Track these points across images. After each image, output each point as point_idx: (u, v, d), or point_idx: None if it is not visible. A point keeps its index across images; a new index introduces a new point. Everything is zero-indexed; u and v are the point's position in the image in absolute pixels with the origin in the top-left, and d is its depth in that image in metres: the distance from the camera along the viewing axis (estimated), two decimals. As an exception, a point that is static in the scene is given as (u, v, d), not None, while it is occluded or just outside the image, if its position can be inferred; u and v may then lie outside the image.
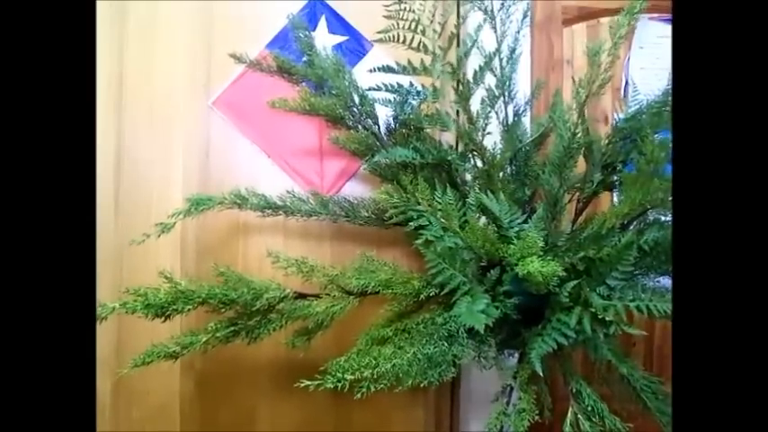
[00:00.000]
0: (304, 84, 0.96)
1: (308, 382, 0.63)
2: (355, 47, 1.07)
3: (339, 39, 1.07)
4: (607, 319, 0.68)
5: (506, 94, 0.88)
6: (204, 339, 0.73)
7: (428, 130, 0.92)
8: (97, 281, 0.54)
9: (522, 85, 0.98)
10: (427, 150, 0.86)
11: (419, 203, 0.82)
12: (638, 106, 0.86)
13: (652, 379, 0.80)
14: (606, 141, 0.87)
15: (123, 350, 0.99)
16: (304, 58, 0.95)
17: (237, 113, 1.05)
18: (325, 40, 1.05)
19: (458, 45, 0.93)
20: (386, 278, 0.80)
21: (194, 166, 1.04)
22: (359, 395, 0.64)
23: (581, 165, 0.85)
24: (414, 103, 0.89)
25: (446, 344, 0.72)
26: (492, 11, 0.86)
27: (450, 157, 0.87)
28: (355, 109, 0.91)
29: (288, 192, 0.91)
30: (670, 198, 0.72)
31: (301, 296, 0.81)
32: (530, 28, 1.10)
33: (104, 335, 0.98)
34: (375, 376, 0.66)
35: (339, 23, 1.07)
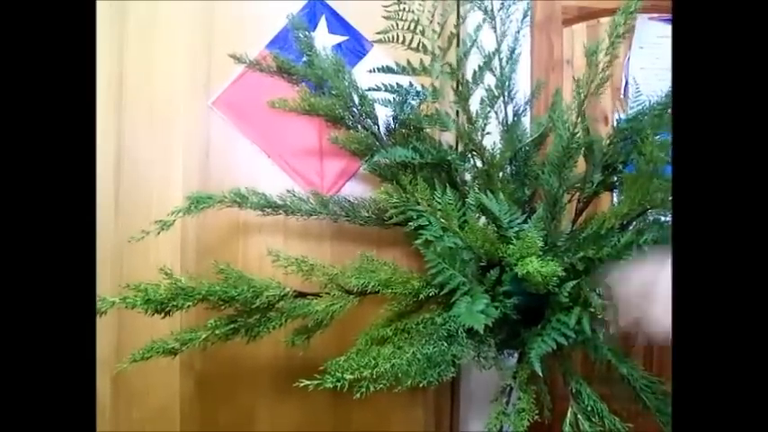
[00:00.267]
0: (304, 84, 0.96)
1: (308, 382, 0.63)
2: (355, 47, 1.07)
3: (339, 39, 1.07)
4: (606, 319, 0.69)
5: (506, 94, 0.88)
6: (204, 336, 0.73)
7: (428, 130, 0.92)
8: (97, 281, 0.54)
9: (522, 85, 0.98)
10: (427, 150, 0.86)
11: (419, 203, 0.82)
12: (639, 107, 0.86)
13: (652, 379, 0.80)
14: (606, 142, 0.87)
15: (123, 350, 0.99)
16: (304, 59, 0.95)
17: (237, 113, 1.05)
18: (325, 40, 1.05)
19: (457, 45, 0.93)
20: (385, 278, 0.80)
21: (194, 166, 1.04)
22: (358, 395, 0.64)
23: (581, 165, 0.85)
24: (413, 103, 0.89)
25: (445, 344, 0.72)
26: (492, 11, 0.86)
27: (449, 157, 0.87)
28: (355, 109, 0.91)
29: (288, 191, 0.91)
30: (670, 198, 0.72)
31: (301, 295, 0.81)
32: (530, 28, 1.10)
33: (104, 335, 0.98)
34: (374, 376, 0.66)
35: (339, 23, 1.07)
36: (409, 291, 0.79)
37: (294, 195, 0.90)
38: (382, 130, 0.92)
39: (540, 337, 0.72)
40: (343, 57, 0.95)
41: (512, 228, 0.80)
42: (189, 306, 0.73)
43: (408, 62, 0.87)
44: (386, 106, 0.89)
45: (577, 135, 0.78)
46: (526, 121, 0.93)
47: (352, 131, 0.91)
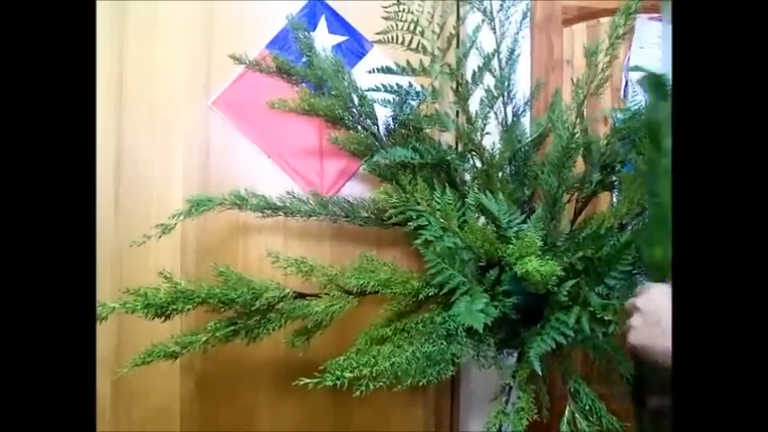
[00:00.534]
0: (304, 84, 0.96)
1: (308, 381, 0.63)
2: (355, 47, 1.08)
3: (339, 39, 1.07)
4: (606, 318, 0.69)
5: (505, 94, 0.88)
6: (204, 339, 0.74)
7: (427, 131, 0.92)
8: (97, 281, 0.54)
9: (523, 86, 0.98)
10: (426, 150, 0.86)
11: (418, 203, 0.82)
12: (637, 107, 0.86)
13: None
14: (605, 142, 0.87)
15: (123, 350, 0.99)
16: (303, 59, 0.95)
17: (237, 113, 1.05)
18: (324, 40, 1.05)
19: (457, 46, 0.93)
20: (385, 278, 0.80)
21: (194, 166, 1.04)
22: (358, 393, 0.65)
23: (580, 165, 0.85)
24: (413, 103, 0.89)
25: (445, 343, 0.72)
26: (491, 12, 0.86)
27: (449, 158, 0.87)
28: (354, 109, 0.91)
29: (287, 192, 0.91)
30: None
31: (301, 296, 0.81)
32: (530, 28, 1.10)
33: (104, 335, 0.98)
34: (374, 374, 0.66)
35: (339, 23, 1.08)
36: (409, 290, 0.79)
37: (294, 196, 0.91)
38: (382, 130, 0.92)
39: (539, 337, 0.72)
40: (342, 57, 0.95)
41: (511, 228, 0.80)
42: (189, 309, 0.73)
43: (408, 63, 0.87)
44: (385, 106, 0.89)
45: (577, 135, 0.78)
46: (526, 121, 0.93)
47: (351, 132, 0.92)
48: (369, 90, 0.90)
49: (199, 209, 0.81)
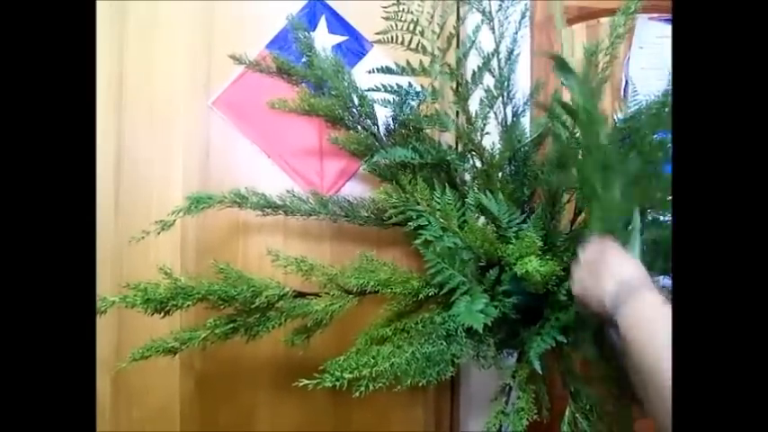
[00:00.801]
0: (304, 84, 0.96)
1: (308, 381, 0.63)
2: (355, 47, 1.08)
3: (339, 39, 1.07)
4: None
5: (505, 94, 0.88)
6: (203, 335, 0.74)
7: (427, 131, 0.92)
8: (97, 281, 0.54)
9: (522, 85, 0.98)
10: (426, 150, 0.86)
11: (418, 203, 0.82)
12: (637, 106, 0.86)
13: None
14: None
15: (123, 350, 0.99)
16: (303, 59, 0.95)
17: (237, 113, 1.05)
18: (324, 40, 1.05)
19: (457, 46, 0.93)
20: (385, 278, 0.80)
21: (194, 166, 1.04)
22: (357, 394, 0.65)
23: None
24: (413, 103, 0.89)
25: (445, 343, 0.72)
26: (490, 12, 0.86)
27: (449, 158, 0.87)
28: (354, 109, 0.91)
29: (288, 191, 0.91)
30: (669, 198, 0.72)
31: (300, 295, 0.81)
32: (530, 28, 1.10)
33: (104, 334, 0.98)
34: (374, 375, 0.66)
35: (339, 23, 1.08)
36: (409, 290, 0.80)
37: (294, 195, 0.91)
38: (382, 130, 0.92)
39: (539, 336, 0.72)
40: (342, 57, 0.95)
41: (511, 227, 0.80)
42: (188, 305, 0.73)
43: (408, 63, 0.87)
44: (385, 106, 0.89)
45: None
46: (525, 121, 0.93)
47: (351, 132, 0.92)
48: (369, 90, 0.90)
49: (198, 206, 0.81)
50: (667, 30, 1.17)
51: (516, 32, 0.87)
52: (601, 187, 0.63)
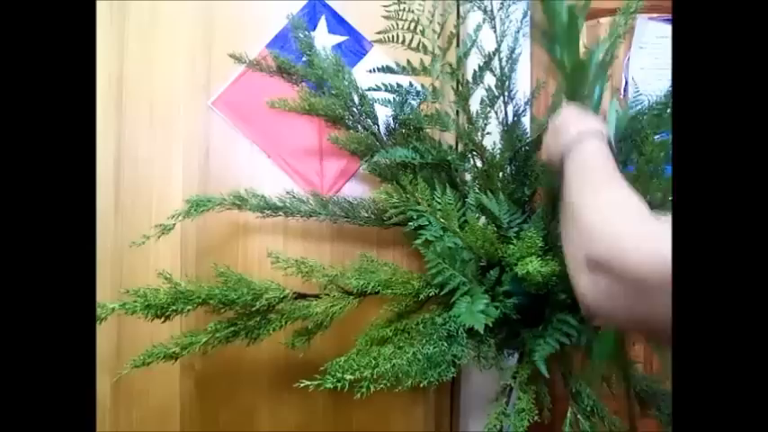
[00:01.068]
0: (304, 84, 0.96)
1: (308, 382, 0.63)
2: (355, 47, 1.07)
3: (339, 39, 1.07)
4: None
5: (506, 94, 0.88)
6: (204, 340, 0.73)
7: (428, 131, 0.92)
8: (97, 282, 0.54)
9: (523, 85, 0.98)
10: (427, 150, 0.86)
11: (418, 203, 0.82)
12: (638, 107, 0.86)
13: (652, 379, 0.80)
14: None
15: (123, 351, 0.99)
16: (304, 59, 0.95)
17: (237, 113, 1.05)
18: (325, 40, 1.05)
19: (457, 45, 0.93)
20: (385, 278, 0.80)
21: (194, 166, 1.04)
22: (358, 395, 0.64)
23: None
24: (413, 103, 0.89)
25: (446, 344, 0.72)
26: (491, 11, 0.86)
27: (449, 157, 0.87)
28: (355, 109, 0.91)
29: (288, 192, 0.91)
30: (670, 198, 0.72)
31: (301, 296, 0.81)
32: (530, 28, 1.10)
33: (104, 335, 0.98)
34: (375, 376, 0.66)
35: (339, 23, 1.07)
36: (409, 291, 0.79)
37: (294, 197, 0.91)
38: (382, 130, 0.92)
39: (542, 339, 0.72)
40: (342, 57, 0.95)
41: (512, 228, 0.80)
42: (189, 310, 0.73)
43: (408, 62, 0.87)
44: (386, 106, 0.89)
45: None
46: (526, 120, 0.93)
47: (352, 131, 0.92)
48: (369, 90, 0.90)
49: (198, 209, 0.81)
50: (667, 30, 1.16)
51: (518, 32, 0.87)
52: (567, 56, 0.65)
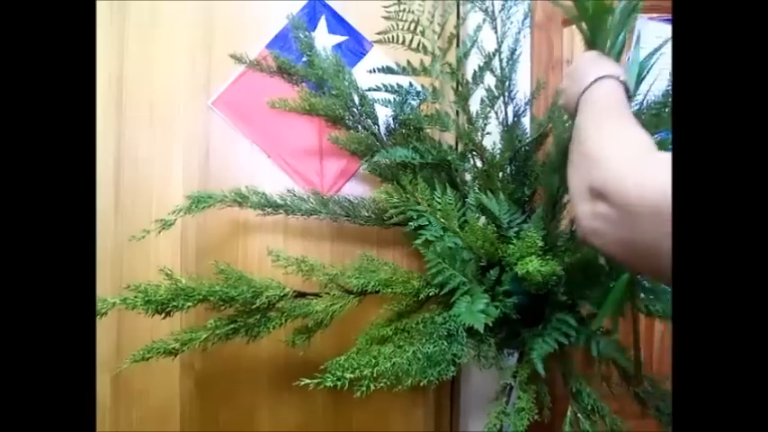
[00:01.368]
0: (304, 84, 0.96)
1: (308, 381, 0.63)
2: (355, 47, 1.08)
3: (339, 39, 1.07)
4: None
5: (506, 94, 0.88)
6: (204, 336, 0.73)
7: (428, 131, 0.92)
8: (97, 281, 0.54)
9: (522, 85, 0.98)
10: (427, 150, 0.86)
11: (419, 203, 0.82)
12: (637, 107, 0.86)
13: (652, 379, 0.80)
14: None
15: (123, 350, 0.99)
16: (304, 59, 0.95)
17: (237, 113, 1.05)
18: (325, 40, 1.05)
19: (457, 45, 0.93)
20: (385, 277, 0.80)
21: (194, 166, 1.04)
22: (358, 394, 0.65)
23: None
24: (413, 103, 0.89)
25: (446, 343, 0.72)
26: (492, 11, 0.86)
27: (449, 158, 0.87)
28: (355, 109, 0.91)
29: (288, 191, 0.91)
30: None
31: (301, 295, 0.81)
32: (530, 28, 1.10)
33: (104, 334, 0.98)
34: (375, 375, 0.66)
35: (339, 23, 1.08)
36: (409, 290, 0.79)
37: (294, 195, 0.91)
38: (382, 130, 0.92)
39: (541, 338, 0.72)
40: (342, 57, 0.95)
41: (512, 228, 0.80)
42: (189, 307, 0.73)
43: (408, 62, 0.87)
44: (386, 106, 0.89)
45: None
46: (526, 121, 0.93)
47: (352, 132, 0.92)
48: (369, 90, 0.90)
49: (199, 205, 0.81)
50: (667, 30, 1.16)
51: (518, 32, 0.87)
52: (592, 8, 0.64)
